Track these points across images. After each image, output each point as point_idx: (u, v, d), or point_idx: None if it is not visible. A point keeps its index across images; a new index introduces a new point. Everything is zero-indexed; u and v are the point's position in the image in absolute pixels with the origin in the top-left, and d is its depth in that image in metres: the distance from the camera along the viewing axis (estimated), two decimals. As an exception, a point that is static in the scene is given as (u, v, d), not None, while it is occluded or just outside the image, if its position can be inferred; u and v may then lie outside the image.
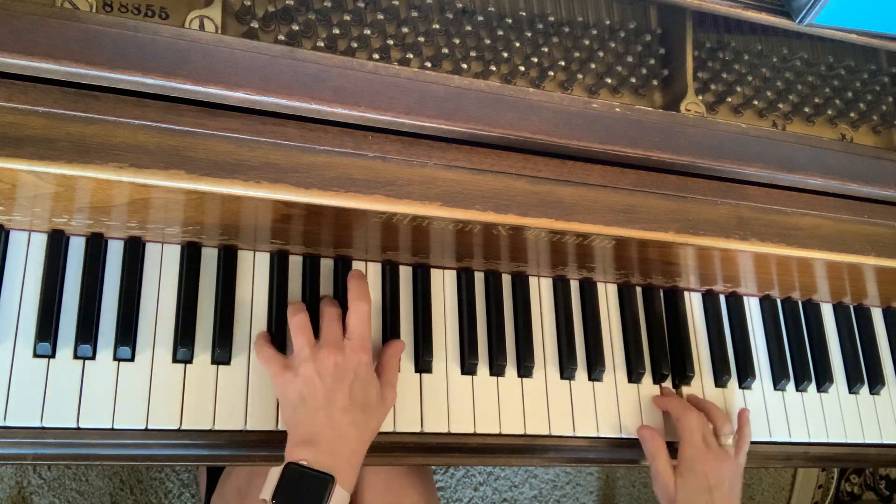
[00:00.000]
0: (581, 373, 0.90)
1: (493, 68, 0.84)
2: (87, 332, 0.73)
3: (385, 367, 0.79)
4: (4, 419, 0.70)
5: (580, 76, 0.87)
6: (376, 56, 0.80)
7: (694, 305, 0.98)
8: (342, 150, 0.71)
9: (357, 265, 0.85)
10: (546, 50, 0.86)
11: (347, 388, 0.72)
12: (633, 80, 0.90)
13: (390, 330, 0.83)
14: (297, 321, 0.76)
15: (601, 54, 0.88)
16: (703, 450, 0.84)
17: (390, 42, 0.80)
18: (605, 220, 0.77)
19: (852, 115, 0.99)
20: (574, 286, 0.93)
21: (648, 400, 0.91)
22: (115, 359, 0.74)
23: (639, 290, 0.96)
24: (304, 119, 0.70)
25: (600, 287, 0.94)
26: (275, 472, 0.68)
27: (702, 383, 0.95)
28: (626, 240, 0.80)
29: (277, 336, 0.79)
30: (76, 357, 0.73)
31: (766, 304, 1.01)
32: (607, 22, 0.90)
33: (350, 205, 0.70)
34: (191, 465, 1.40)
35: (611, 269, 0.90)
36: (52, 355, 0.72)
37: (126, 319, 0.74)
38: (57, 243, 0.75)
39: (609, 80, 0.89)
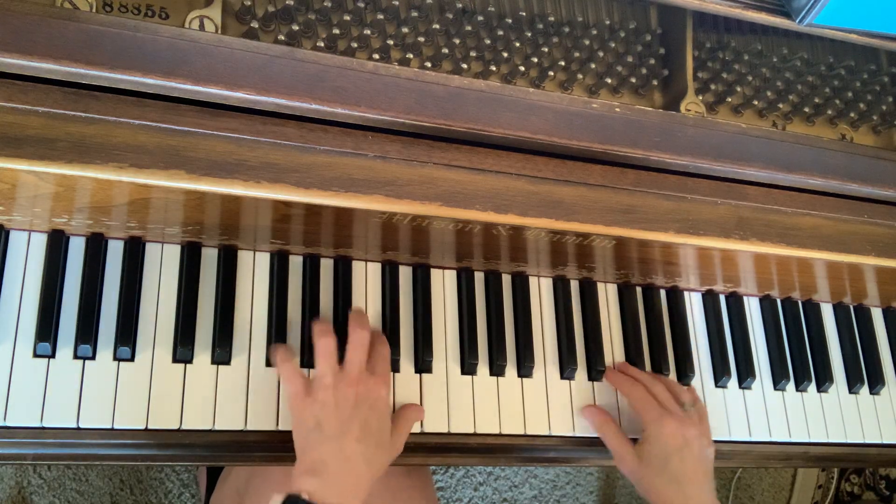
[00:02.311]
0: (581, 373, 0.90)
1: (493, 68, 0.84)
2: (87, 332, 0.73)
3: (401, 420, 0.79)
4: (4, 419, 0.70)
5: (580, 76, 0.87)
6: (376, 56, 0.80)
7: (694, 305, 0.98)
8: (342, 150, 0.71)
9: (357, 265, 0.85)
10: (546, 50, 0.86)
11: (363, 420, 0.72)
12: (633, 80, 0.90)
13: (390, 330, 0.83)
14: (324, 345, 0.75)
15: (601, 54, 0.88)
16: (663, 413, 0.81)
17: (390, 42, 0.80)
18: (605, 220, 0.77)
19: (852, 115, 0.99)
20: (574, 286, 0.93)
21: (648, 400, 0.91)
22: (115, 359, 0.74)
23: (639, 289, 0.96)
24: (304, 119, 0.70)
25: (600, 287, 0.94)
26: (276, 501, 0.67)
27: (702, 383, 0.95)
28: (626, 240, 0.80)
29: (277, 337, 0.79)
30: (76, 357, 0.73)
31: (766, 304, 1.01)
32: (607, 22, 0.90)
33: (350, 205, 0.70)
34: (191, 465, 1.40)
35: (611, 269, 0.90)
36: (52, 355, 0.72)
37: (126, 319, 0.74)
38: (57, 243, 0.75)
39: (609, 80, 0.89)
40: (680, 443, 0.79)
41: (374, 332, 0.80)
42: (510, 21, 0.85)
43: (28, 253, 0.75)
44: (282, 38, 0.77)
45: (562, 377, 0.89)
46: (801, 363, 1.00)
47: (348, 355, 0.75)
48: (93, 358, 0.73)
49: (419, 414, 0.81)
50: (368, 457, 0.71)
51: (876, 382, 1.03)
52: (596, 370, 0.90)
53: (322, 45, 0.78)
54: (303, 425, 0.72)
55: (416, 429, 0.82)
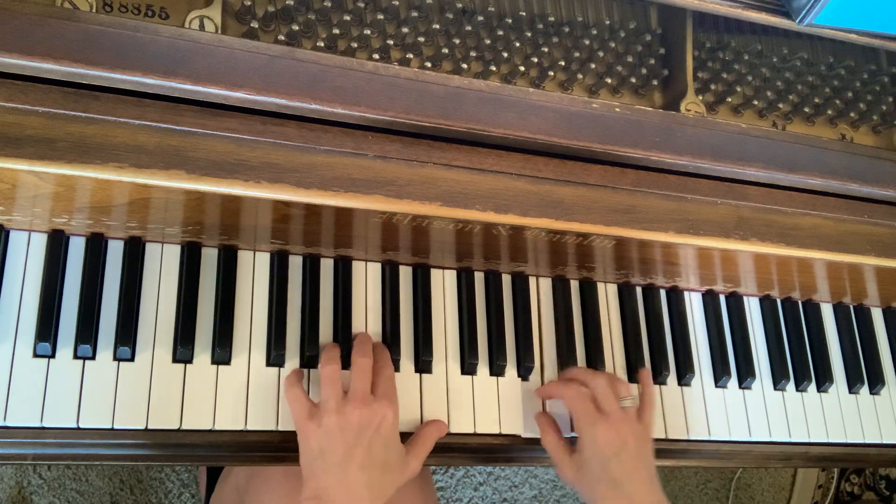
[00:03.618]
0: (581, 373, 0.90)
1: (493, 68, 0.84)
2: (87, 332, 0.73)
3: (420, 440, 0.79)
4: (4, 419, 0.70)
5: (580, 76, 0.87)
6: (376, 56, 0.80)
7: (694, 305, 0.98)
8: (342, 149, 0.71)
9: (357, 265, 0.85)
10: (546, 50, 0.86)
11: (367, 445, 0.72)
12: (633, 80, 0.90)
13: (390, 330, 0.83)
14: (329, 373, 0.75)
15: (601, 54, 0.88)
16: (597, 416, 0.78)
17: (390, 42, 0.80)
18: (605, 220, 0.77)
19: (852, 115, 0.99)
20: (574, 286, 0.93)
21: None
22: (115, 359, 0.74)
23: (639, 289, 0.96)
24: (304, 119, 0.70)
25: (600, 287, 0.94)
26: None
27: (702, 383, 0.95)
28: (626, 240, 0.80)
29: (277, 337, 0.79)
30: (76, 357, 0.73)
31: (766, 304, 1.01)
32: (607, 22, 0.90)
33: (350, 205, 0.70)
34: (191, 465, 1.40)
35: (611, 269, 0.90)
36: (52, 355, 0.72)
37: (126, 319, 0.74)
38: (57, 243, 0.75)
39: (609, 80, 0.89)
40: (617, 446, 0.77)
41: (377, 351, 0.80)
42: (510, 21, 0.85)
43: (28, 253, 0.74)
44: (282, 38, 0.77)
45: (562, 377, 0.89)
46: (801, 363, 1.00)
47: (352, 382, 0.76)
48: (93, 358, 0.73)
49: (440, 430, 0.81)
50: (372, 483, 0.71)
51: (876, 382, 1.03)
52: (596, 370, 0.90)
53: (322, 45, 0.78)
54: (308, 451, 0.73)
55: (415, 429, 0.81)
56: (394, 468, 0.74)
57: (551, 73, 0.86)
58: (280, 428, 0.77)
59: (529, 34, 0.86)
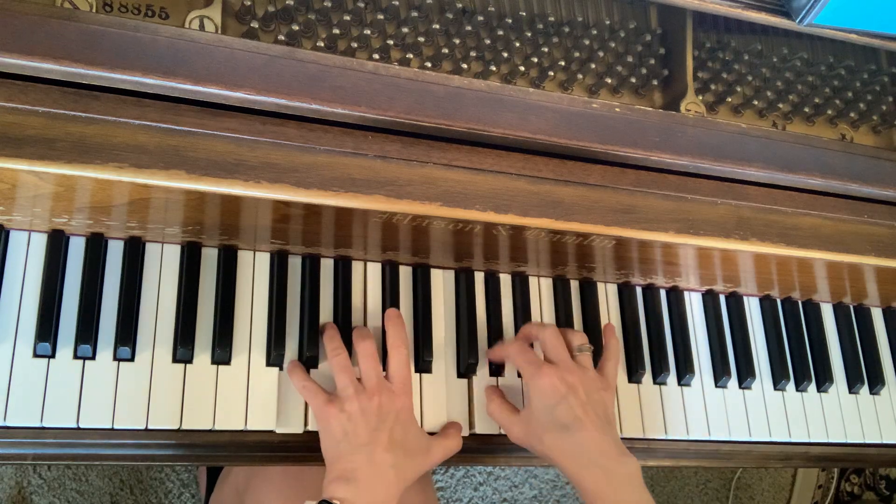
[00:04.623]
0: (581, 373, 0.90)
1: (493, 68, 0.84)
2: (87, 332, 0.73)
3: (448, 431, 0.80)
4: (4, 419, 0.70)
5: (580, 76, 0.87)
6: (376, 56, 0.80)
7: (694, 305, 0.98)
8: (342, 150, 0.71)
9: (357, 265, 0.85)
10: (546, 50, 0.86)
11: (390, 429, 0.73)
12: (633, 80, 0.90)
13: (390, 330, 0.83)
14: (339, 362, 0.76)
15: (601, 54, 0.88)
16: (540, 367, 0.77)
17: (390, 42, 0.80)
18: (605, 220, 0.77)
19: (852, 115, 0.99)
20: (574, 286, 0.93)
21: (648, 399, 0.91)
22: (115, 359, 0.74)
23: (639, 289, 0.96)
24: (304, 119, 0.70)
25: (600, 287, 0.94)
26: None
27: (702, 383, 0.95)
28: (626, 240, 0.80)
29: (277, 337, 0.79)
30: (76, 357, 0.73)
31: (766, 304, 1.01)
32: (607, 22, 0.90)
33: (350, 205, 0.70)
34: (191, 465, 1.40)
35: (611, 269, 0.90)
36: (52, 355, 0.72)
37: (126, 319, 0.74)
38: (57, 243, 0.75)
39: (609, 80, 0.89)
40: (563, 391, 0.75)
41: (390, 330, 0.80)
42: (510, 21, 0.85)
43: (28, 253, 0.74)
44: (282, 38, 0.77)
45: (562, 377, 0.89)
46: (801, 363, 1.00)
47: (361, 368, 0.76)
48: (93, 358, 0.73)
49: (461, 429, 0.82)
50: (397, 465, 0.72)
51: (876, 382, 1.03)
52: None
53: (322, 45, 0.78)
54: (331, 435, 0.73)
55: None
56: (416, 453, 0.75)
57: (551, 73, 0.86)
58: (280, 429, 0.77)
59: (529, 34, 0.86)
